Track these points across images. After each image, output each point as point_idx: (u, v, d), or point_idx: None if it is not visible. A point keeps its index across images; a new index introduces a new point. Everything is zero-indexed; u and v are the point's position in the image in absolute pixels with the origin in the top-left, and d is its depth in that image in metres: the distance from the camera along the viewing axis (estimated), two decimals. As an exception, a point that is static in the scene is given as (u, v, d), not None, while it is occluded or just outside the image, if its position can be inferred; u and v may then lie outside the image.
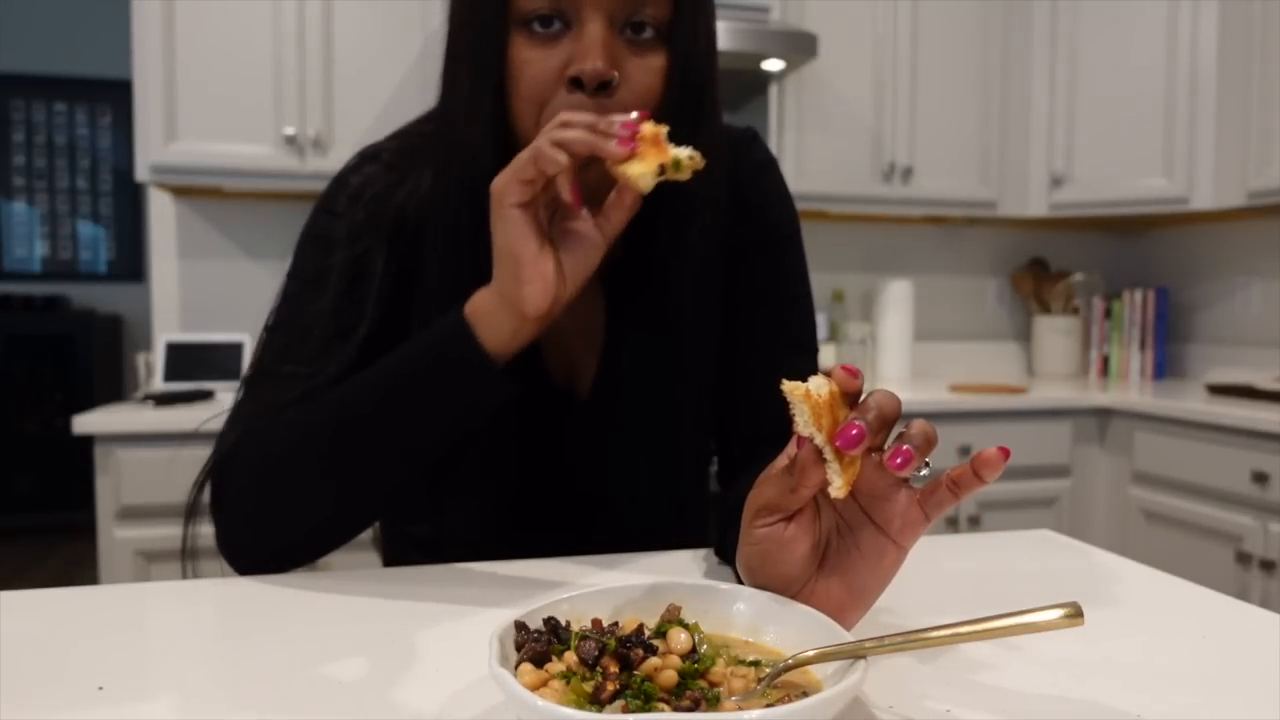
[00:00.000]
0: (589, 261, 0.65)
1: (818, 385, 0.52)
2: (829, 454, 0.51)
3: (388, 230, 0.78)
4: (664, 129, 0.62)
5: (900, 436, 0.52)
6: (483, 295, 0.66)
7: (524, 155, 0.61)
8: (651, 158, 0.61)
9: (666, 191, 0.77)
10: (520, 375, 0.68)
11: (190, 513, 0.77)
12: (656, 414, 0.83)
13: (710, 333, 0.83)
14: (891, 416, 0.52)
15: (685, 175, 0.62)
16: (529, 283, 0.63)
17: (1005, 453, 0.49)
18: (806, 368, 0.85)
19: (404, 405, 0.68)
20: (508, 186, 0.62)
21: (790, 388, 0.51)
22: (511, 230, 0.62)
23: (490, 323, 0.65)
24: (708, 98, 0.75)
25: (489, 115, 0.71)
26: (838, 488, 0.51)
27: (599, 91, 0.67)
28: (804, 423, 0.51)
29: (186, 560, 0.77)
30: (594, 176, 0.64)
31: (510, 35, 0.69)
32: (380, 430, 0.69)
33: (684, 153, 0.62)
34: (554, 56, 0.68)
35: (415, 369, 0.68)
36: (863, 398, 0.53)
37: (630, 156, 0.61)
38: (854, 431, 0.50)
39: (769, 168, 0.87)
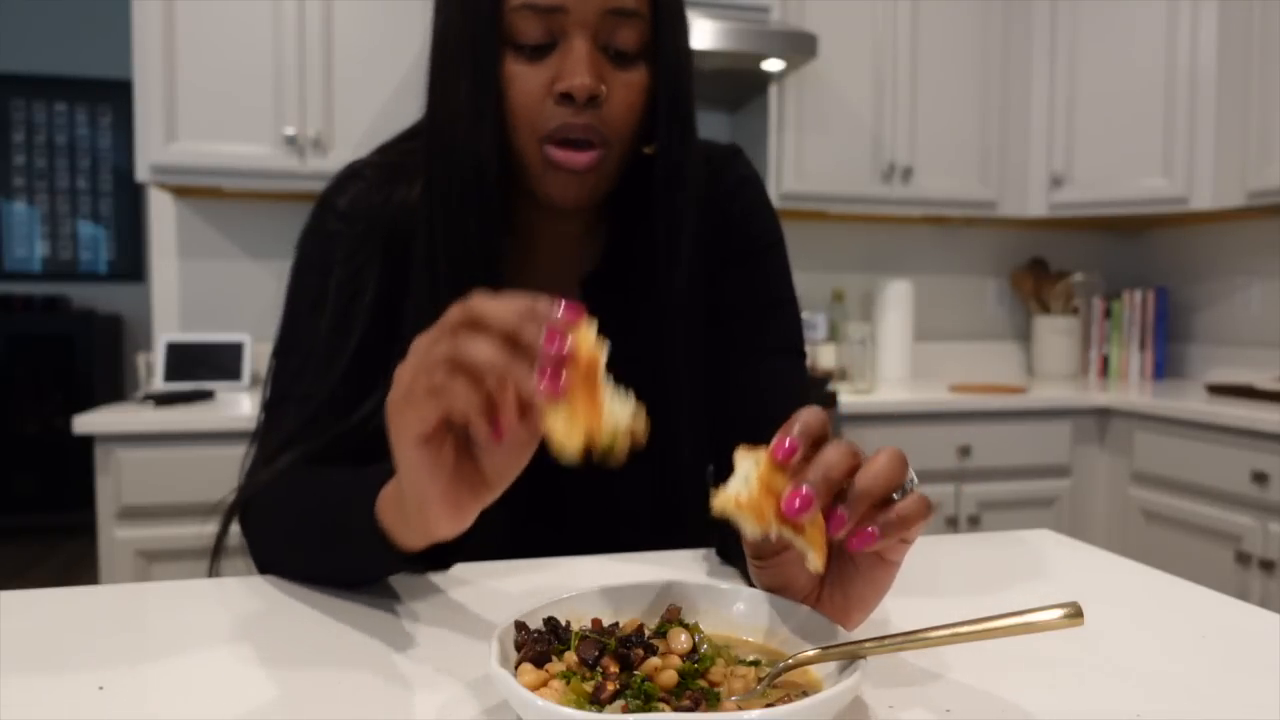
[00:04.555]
0: (519, 461, 0.52)
1: (743, 478, 0.48)
2: (789, 534, 0.48)
3: (380, 245, 0.81)
4: (601, 354, 0.47)
5: (864, 517, 0.48)
6: (391, 508, 0.57)
7: (420, 387, 0.48)
8: (580, 404, 0.46)
9: (640, 204, 0.79)
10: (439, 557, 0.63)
11: (219, 546, 0.82)
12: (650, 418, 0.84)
13: (695, 339, 0.85)
14: (837, 476, 0.48)
15: (620, 449, 0.47)
16: (437, 519, 0.52)
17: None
18: (795, 368, 0.88)
19: (336, 562, 0.68)
20: (404, 419, 0.50)
21: (720, 504, 0.48)
22: (412, 471, 0.51)
23: (401, 531, 0.57)
24: (688, 111, 0.79)
25: (491, 127, 0.74)
26: (813, 562, 0.48)
27: (588, 106, 0.71)
28: (751, 529, 0.48)
29: (213, 559, 0.82)
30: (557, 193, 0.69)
31: (500, 51, 0.73)
32: (330, 568, 0.69)
33: (623, 413, 0.47)
34: (542, 72, 0.73)
35: (340, 549, 0.66)
36: (797, 426, 0.49)
37: (558, 397, 0.46)
38: (797, 503, 0.47)
39: (751, 182, 0.90)
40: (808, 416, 0.50)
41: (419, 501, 0.52)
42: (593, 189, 0.76)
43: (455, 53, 0.75)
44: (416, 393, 0.49)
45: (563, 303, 0.48)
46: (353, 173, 0.85)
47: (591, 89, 0.71)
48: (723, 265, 0.87)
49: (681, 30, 0.78)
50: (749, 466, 0.49)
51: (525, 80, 0.73)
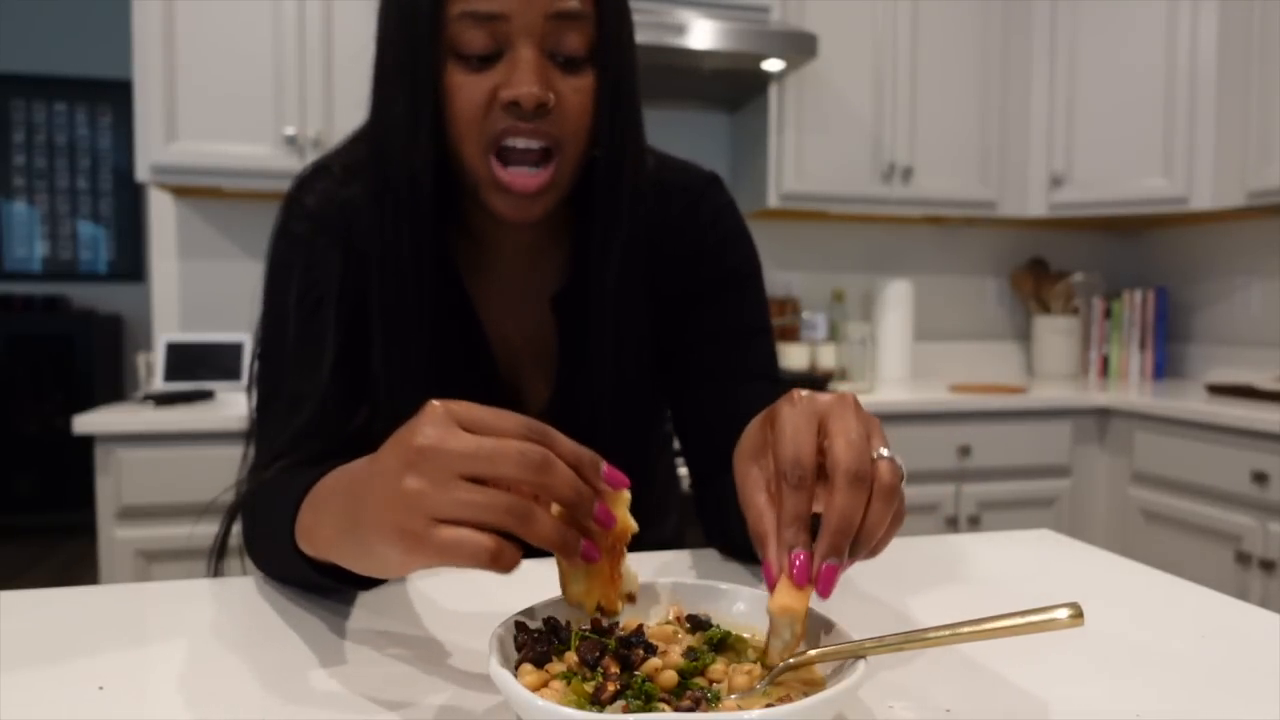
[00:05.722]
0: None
1: (786, 639, 0.47)
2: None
3: (343, 249, 0.81)
4: (628, 531, 0.49)
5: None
6: (325, 547, 0.55)
7: (476, 547, 0.44)
8: (602, 571, 0.49)
9: (597, 217, 0.79)
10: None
11: (220, 547, 0.81)
12: (609, 426, 0.84)
13: (645, 349, 0.86)
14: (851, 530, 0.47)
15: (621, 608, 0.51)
16: (396, 573, 0.51)
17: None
18: (776, 395, 0.87)
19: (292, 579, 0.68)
20: (419, 559, 0.46)
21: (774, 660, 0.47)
22: (390, 570, 0.50)
23: (340, 560, 0.53)
24: (633, 112, 0.78)
25: (428, 140, 0.73)
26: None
27: (536, 114, 0.70)
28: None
29: (212, 559, 0.82)
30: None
31: (444, 61, 0.72)
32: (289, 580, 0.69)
33: (632, 580, 0.51)
34: (487, 81, 0.71)
35: (286, 570, 0.67)
36: (789, 530, 0.47)
37: (595, 560, 0.49)
38: (799, 560, 0.46)
39: (728, 211, 0.90)
40: (791, 502, 0.47)
41: (381, 569, 0.50)
42: (545, 204, 0.75)
43: (393, 65, 0.74)
44: (464, 549, 0.44)
45: (607, 468, 0.49)
46: (321, 167, 0.85)
47: (539, 97, 0.69)
48: (698, 294, 0.87)
49: (626, 29, 0.77)
50: (789, 627, 0.46)
51: (470, 89, 0.71)
